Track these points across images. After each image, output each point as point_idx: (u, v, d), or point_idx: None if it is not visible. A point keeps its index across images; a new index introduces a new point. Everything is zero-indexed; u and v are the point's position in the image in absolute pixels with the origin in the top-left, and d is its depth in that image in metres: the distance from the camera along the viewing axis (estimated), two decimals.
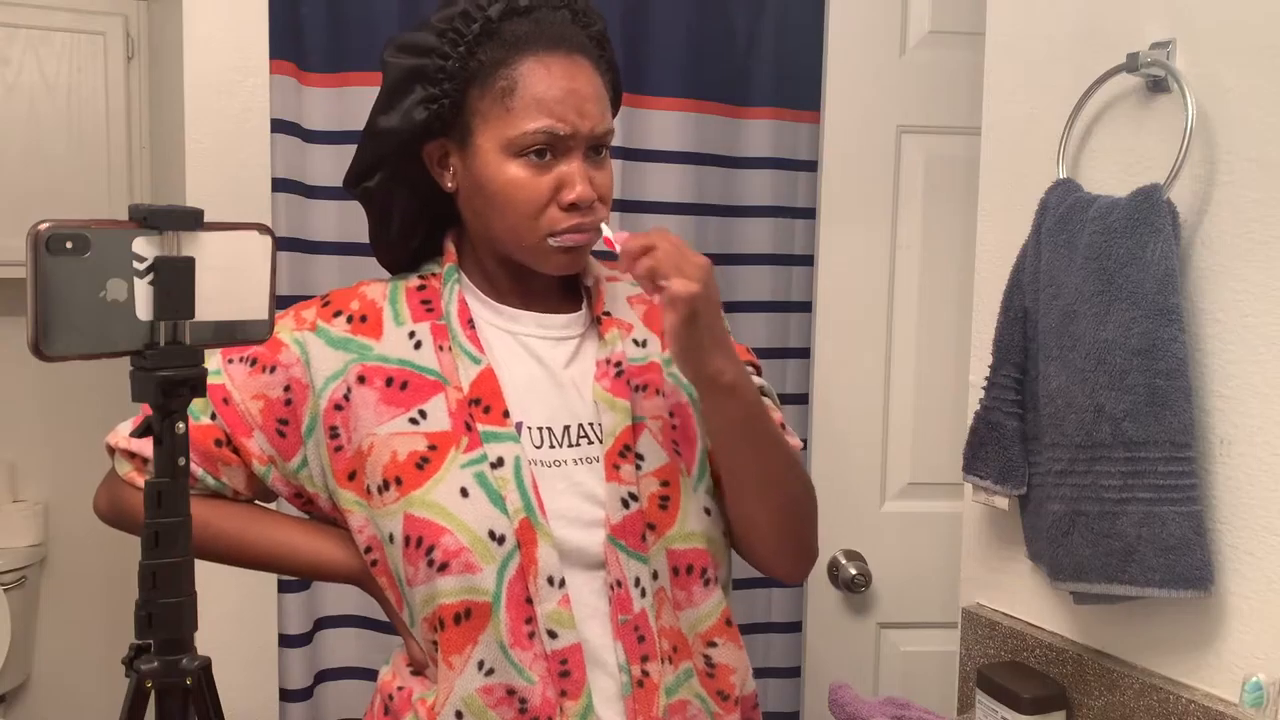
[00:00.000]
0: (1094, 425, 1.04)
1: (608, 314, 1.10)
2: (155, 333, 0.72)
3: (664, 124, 1.82)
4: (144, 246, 0.71)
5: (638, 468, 1.02)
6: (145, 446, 1.03)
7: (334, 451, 1.02)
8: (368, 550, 1.03)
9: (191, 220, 0.73)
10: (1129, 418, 1.01)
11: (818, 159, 1.83)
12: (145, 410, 0.77)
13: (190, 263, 0.73)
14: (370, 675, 1.16)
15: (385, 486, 0.99)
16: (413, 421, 1.00)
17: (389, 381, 1.02)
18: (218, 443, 1.04)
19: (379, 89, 1.06)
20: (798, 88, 1.87)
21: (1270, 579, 1.00)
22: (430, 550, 0.96)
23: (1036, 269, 1.14)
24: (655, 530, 1.01)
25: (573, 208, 1.00)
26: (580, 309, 1.11)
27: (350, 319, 1.06)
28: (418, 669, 1.05)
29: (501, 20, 1.01)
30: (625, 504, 1.00)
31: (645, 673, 0.99)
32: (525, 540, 0.96)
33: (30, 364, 0.83)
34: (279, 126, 1.67)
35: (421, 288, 1.09)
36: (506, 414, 1.01)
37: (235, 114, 1.65)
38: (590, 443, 1.03)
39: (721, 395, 0.97)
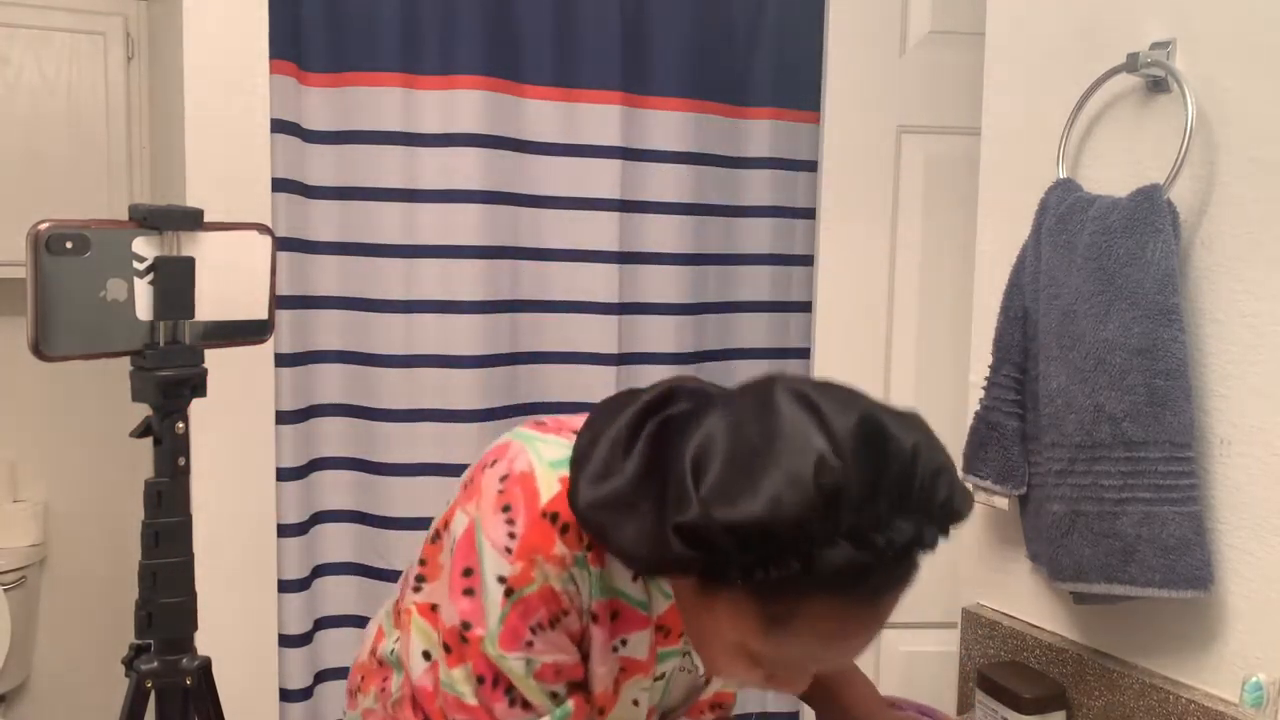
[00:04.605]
0: (1094, 425, 1.04)
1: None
2: (155, 333, 0.72)
3: (664, 124, 1.82)
4: (144, 246, 0.72)
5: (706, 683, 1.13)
6: None
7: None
8: None
9: (191, 220, 0.73)
10: (1129, 418, 1.01)
11: (818, 159, 1.83)
12: None
13: (190, 263, 0.73)
14: None
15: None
16: (614, 650, 1.00)
17: (611, 615, 0.98)
18: (568, 686, 0.98)
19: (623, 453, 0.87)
20: (798, 88, 1.87)
21: (1270, 579, 1.00)
22: None
23: (1036, 269, 1.13)
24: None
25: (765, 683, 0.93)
26: None
27: (590, 547, 0.94)
28: None
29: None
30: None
31: None
32: None
33: (30, 364, 0.83)
34: (279, 126, 1.67)
35: None
36: (682, 634, 1.03)
37: (235, 114, 1.65)
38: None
39: None
